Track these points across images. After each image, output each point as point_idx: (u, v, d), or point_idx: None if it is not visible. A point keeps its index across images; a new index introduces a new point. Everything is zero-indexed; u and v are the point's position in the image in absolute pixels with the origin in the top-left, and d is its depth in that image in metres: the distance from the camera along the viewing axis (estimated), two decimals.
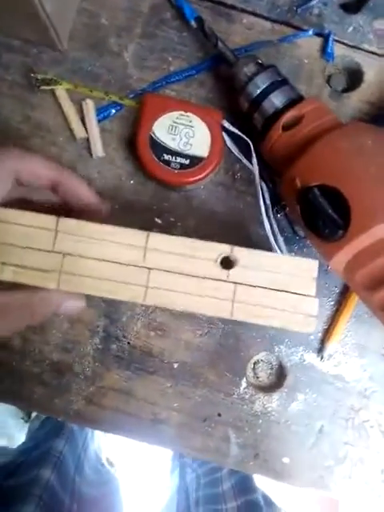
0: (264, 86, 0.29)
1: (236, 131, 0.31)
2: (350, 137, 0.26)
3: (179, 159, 0.30)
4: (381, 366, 0.33)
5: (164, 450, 0.73)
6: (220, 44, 0.31)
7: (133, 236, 0.23)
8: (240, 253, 0.23)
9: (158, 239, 0.23)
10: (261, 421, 0.33)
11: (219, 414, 0.32)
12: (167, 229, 0.33)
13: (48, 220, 0.23)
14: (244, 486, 0.56)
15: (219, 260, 0.23)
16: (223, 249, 0.23)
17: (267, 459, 0.33)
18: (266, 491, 0.59)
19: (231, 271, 0.23)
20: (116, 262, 0.23)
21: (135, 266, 0.23)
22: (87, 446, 0.56)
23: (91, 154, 0.32)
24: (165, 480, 0.75)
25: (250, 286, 0.23)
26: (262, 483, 0.60)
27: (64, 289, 0.22)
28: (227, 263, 0.23)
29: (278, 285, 0.23)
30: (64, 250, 0.22)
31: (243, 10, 0.35)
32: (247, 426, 0.32)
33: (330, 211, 0.25)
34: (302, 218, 0.27)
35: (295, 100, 0.29)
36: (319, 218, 0.26)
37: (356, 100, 0.35)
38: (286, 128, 0.28)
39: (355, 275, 0.26)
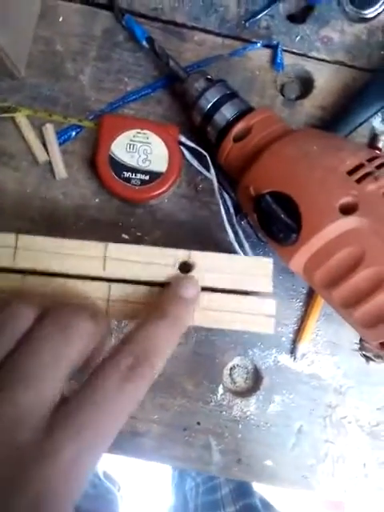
0: (214, 100, 0.30)
1: (192, 145, 0.32)
2: (297, 143, 0.27)
3: (139, 175, 0.31)
4: (353, 361, 0.34)
5: None
6: (171, 62, 0.33)
7: (93, 247, 0.24)
8: (196, 256, 0.24)
9: (115, 249, 0.24)
10: (240, 426, 0.33)
11: (198, 423, 0.33)
12: (134, 243, 0.33)
13: (7, 237, 0.23)
14: (242, 490, 0.56)
15: (177, 265, 0.24)
16: (180, 254, 0.24)
17: (250, 463, 0.33)
18: (267, 495, 0.59)
19: (189, 275, 0.24)
20: (76, 275, 0.23)
21: (95, 278, 0.23)
22: None
23: (55, 176, 0.33)
24: (165, 490, 0.75)
25: (209, 289, 0.24)
26: (263, 488, 0.60)
27: None
28: (185, 267, 0.24)
29: (235, 285, 0.24)
30: (25, 267, 0.23)
31: (194, 28, 0.36)
32: (227, 432, 0.33)
33: (283, 216, 0.26)
34: (260, 225, 0.28)
35: (245, 111, 0.30)
36: (273, 223, 0.26)
37: (309, 106, 0.36)
38: (236, 139, 0.29)
39: (314, 275, 0.27)
